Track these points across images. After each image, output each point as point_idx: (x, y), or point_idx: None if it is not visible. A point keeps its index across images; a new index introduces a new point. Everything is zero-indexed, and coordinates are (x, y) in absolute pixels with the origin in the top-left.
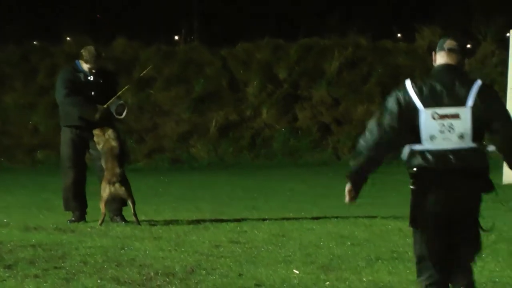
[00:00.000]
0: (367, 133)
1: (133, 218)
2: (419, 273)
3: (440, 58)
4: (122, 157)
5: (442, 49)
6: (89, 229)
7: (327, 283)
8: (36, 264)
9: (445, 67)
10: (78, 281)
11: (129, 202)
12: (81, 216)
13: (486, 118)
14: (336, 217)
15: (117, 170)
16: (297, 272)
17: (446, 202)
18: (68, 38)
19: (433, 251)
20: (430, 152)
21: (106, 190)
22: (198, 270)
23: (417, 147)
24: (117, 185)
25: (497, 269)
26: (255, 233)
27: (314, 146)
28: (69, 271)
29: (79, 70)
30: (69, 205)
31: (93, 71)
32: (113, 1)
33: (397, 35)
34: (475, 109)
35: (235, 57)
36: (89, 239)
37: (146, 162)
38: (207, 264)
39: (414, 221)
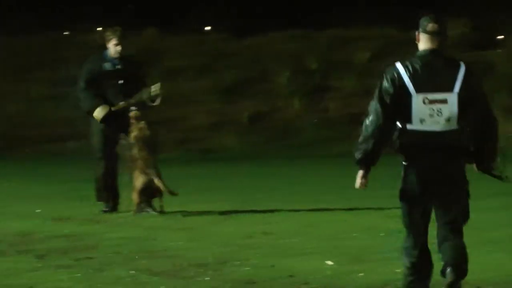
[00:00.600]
0: (369, 115)
1: (161, 208)
2: (405, 241)
3: (424, 42)
4: (155, 147)
5: (424, 31)
6: (121, 220)
7: (360, 274)
8: (69, 254)
9: (430, 52)
10: (110, 271)
11: (160, 192)
12: (114, 206)
13: (468, 101)
14: (368, 208)
15: (150, 160)
16: (330, 263)
17: (433, 177)
18: (98, 29)
19: (416, 220)
20: (420, 132)
21: (139, 180)
22: (230, 261)
23: (408, 126)
24: (149, 175)
25: None
26: (287, 224)
27: (345, 137)
28: (101, 261)
29: (106, 59)
30: (102, 195)
31: (119, 49)
32: None
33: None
34: (460, 94)
35: (265, 47)
36: (121, 229)
37: (177, 152)
38: (240, 255)
39: (404, 195)
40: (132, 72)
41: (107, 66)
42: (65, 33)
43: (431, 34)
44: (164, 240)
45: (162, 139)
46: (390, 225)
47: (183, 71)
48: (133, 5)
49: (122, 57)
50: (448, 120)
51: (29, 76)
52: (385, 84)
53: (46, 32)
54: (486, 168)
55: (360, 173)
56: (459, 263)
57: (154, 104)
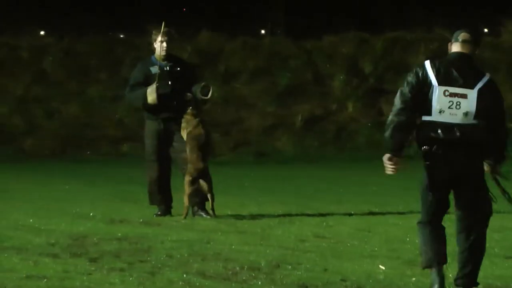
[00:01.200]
0: (394, 105)
1: (212, 211)
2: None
3: (455, 48)
4: (207, 149)
5: (457, 40)
6: (174, 223)
7: (413, 279)
8: (121, 257)
9: (459, 54)
10: (163, 275)
11: (209, 197)
12: (167, 210)
13: (486, 104)
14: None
15: (200, 165)
16: (383, 267)
17: (451, 169)
18: (153, 32)
19: (435, 210)
20: (438, 123)
21: (188, 184)
22: (283, 264)
23: (427, 118)
24: (199, 179)
25: None
26: (340, 227)
27: None
28: (154, 264)
29: (154, 62)
30: (154, 199)
31: (165, 46)
32: None
33: (482, 30)
34: (480, 94)
35: (320, 50)
36: (174, 232)
37: (231, 155)
38: (293, 258)
39: (427, 186)
40: (182, 73)
41: (155, 69)
42: (121, 35)
43: (463, 42)
44: (216, 244)
45: (217, 142)
46: None
47: (238, 74)
48: (189, 8)
49: (170, 58)
50: (466, 114)
51: (87, 78)
52: (410, 77)
53: (104, 34)
54: (493, 171)
55: (385, 156)
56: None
57: (207, 98)
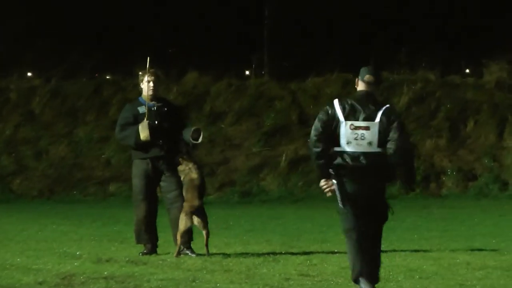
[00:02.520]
0: (310, 138)
1: (204, 250)
2: (345, 235)
3: (361, 86)
4: (202, 189)
5: (363, 80)
6: (160, 262)
7: None
8: None
9: (364, 92)
10: None
11: (204, 233)
12: (153, 248)
13: (387, 130)
14: (404, 251)
15: (196, 203)
16: None
17: (359, 189)
18: (140, 73)
19: (353, 222)
20: (347, 153)
21: (183, 222)
22: None
23: (337, 149)
24: (194, 217)
25: None
26: (324, 266)
27: None
28: None
29: (141, 103)
30: (141, 238)
31: (152, 85)
32: (184, 35)
33: (465, 71)
34: (380, 124)
35: (305, 91)
36: (160, 271)
37: (217, 195)
38: None
39: (343, 202)
40: (169, 113)
41: (143, 109)
42: (108, 77)
43: (368, 83)
44: (202, 282)
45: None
46: (426, 267)
47: (224, 114)
48: (175, 50)
49: (158, 99)
50: (370, 143)
51: (74, 119)
52: (321, 114)
53: (91, 76)
54: (405, 188)
55: (322, 182)
56: (372, 272)
57: (197, 142)
